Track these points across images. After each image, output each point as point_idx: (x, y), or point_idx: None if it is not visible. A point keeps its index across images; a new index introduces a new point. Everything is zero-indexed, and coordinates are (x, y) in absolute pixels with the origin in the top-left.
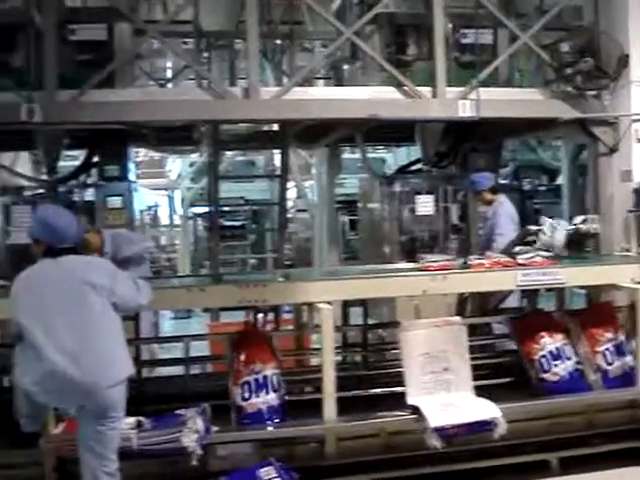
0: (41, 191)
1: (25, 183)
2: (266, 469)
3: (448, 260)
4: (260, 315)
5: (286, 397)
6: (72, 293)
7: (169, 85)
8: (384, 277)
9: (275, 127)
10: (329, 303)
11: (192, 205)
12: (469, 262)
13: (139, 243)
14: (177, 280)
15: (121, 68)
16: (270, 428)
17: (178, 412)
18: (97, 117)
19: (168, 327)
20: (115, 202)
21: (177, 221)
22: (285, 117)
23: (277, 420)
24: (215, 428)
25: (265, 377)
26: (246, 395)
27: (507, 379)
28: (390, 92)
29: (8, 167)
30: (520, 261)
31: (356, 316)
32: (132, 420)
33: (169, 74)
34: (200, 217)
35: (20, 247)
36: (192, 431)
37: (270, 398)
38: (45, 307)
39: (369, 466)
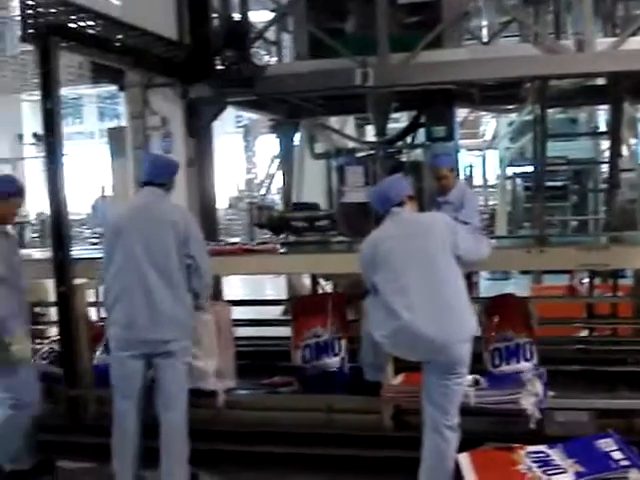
0: (371, 152)
1: (354, 145)
2: (605, 440)
3: None
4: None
5: (543, 367)
6: (419, 251)
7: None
8: None
9: (601, 81)
10: None
11: (510, 165)
12: None
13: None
14: (497, 241)
15: (449, 28)
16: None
17: (515, 373)
18: (427, 78)
19: (485, 288)
20: None
21: (490, 181)
22: (623, 69)
23: None
24: (551, 393)
25: (517, 345)
26: (496, 362)
27: None
28: None
29: (339, 130)
30: None
31: None
32: (470, 377)
33: (484, 32)
34: (520, 177)
35: (353, 205)
36: (531, 394)
37: (521, 367)
38: (396, 266)
39: None
